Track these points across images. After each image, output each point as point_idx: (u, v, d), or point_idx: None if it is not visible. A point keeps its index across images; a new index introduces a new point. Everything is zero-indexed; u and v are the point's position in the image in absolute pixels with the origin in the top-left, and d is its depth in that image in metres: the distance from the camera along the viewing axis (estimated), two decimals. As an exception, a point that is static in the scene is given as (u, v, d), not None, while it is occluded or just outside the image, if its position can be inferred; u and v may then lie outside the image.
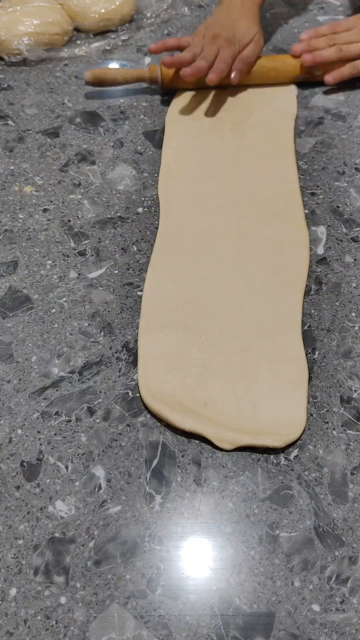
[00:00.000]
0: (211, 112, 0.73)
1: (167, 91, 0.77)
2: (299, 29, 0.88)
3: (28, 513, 0.42)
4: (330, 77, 0.73)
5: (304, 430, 0.46)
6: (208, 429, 0.45)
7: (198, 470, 0.44)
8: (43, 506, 0.43)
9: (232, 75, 0.70)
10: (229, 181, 0.65)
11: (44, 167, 0.67)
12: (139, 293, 0.56)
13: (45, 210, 0.63)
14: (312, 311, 0.54)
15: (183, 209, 0.62)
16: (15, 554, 0.41)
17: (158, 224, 0.61)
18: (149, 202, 0.64)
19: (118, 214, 0.63)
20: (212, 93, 0.75)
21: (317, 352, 0.51)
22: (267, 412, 0.47)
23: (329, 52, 0.73)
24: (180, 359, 0.50)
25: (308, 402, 0.48)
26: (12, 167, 0.67)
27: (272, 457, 0.45)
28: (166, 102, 0.75)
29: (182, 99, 0.75)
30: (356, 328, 0.53)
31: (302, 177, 0.67)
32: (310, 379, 0.49)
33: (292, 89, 0.76)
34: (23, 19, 0.78)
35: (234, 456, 0.45)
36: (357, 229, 0.62)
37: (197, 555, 0.41)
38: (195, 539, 0.41)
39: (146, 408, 0.47)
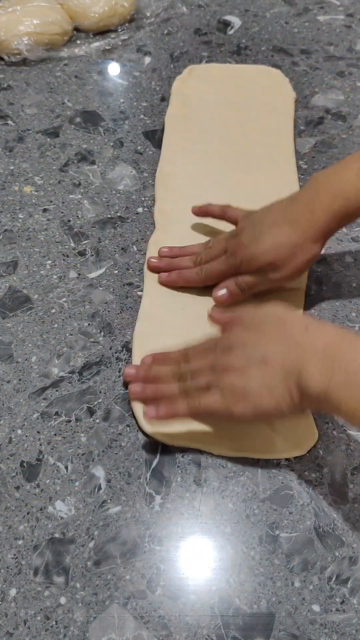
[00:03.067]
0: (211, 112, 0.73)
1: (167, 92, 0.77)
2: (299, 28, 0.88)
3: (28, 513, 0.42)
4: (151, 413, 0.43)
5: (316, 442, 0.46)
6: (210, 444, 0.45)
7: (198, 471, 0.44)
8: (43, 506, 0.43)
9: (218, 293, 0.53)
10: (228, 181, 0.65)
11: (44, 167, 0.67)
12: (139, 293, 0.56)
13: (45, 210, 0.63)
14: (312, 311, 0.54)
15: (181, 208, 0.62)
16: (15, 555, 0.41)
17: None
18: (149, 202, 0.64)
19: (118, 214, 0.63)
20: (212, 94, 0.75)
21: (317, 352, 0.51)
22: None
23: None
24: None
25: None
26: (12, 167, 0.67)
27: (272, 458, 0.45)
28: (166, 102, 0.75)
29: (182, 100, 0.75)
30: (356, 328, 0.53)
31: (302, 177, 0.67)
32: (310, 379, 0.49)
33: (290, 90, 0.76)
34: (23, 19, 0.78)
35: (233, 456, 0.45)
36: (357, 229, 0.62)
37: (197, 555, 0.41)
38: (195, 539, 0.41)
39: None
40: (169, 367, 0.45)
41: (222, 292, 0.53)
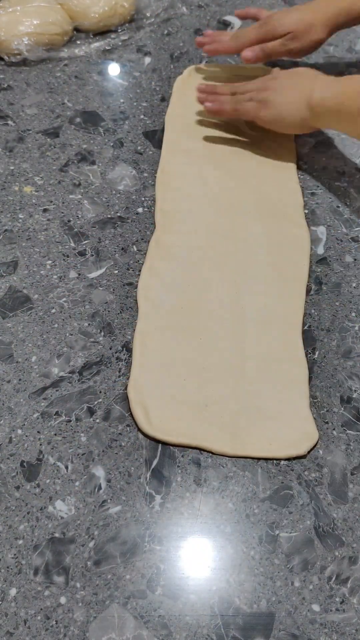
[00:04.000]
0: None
1: (167, 92, 0.77)
2: (299, 28, 0.88)
3: (28, 513, 0.42)
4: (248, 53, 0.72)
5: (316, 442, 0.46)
6: (211, 442, 0.45)
7: (198, 471, 0.44)
8: (43, 506, 0.43)
9: (247, 52, 0.71)
10: (228, 181, 0.65)
11: (44, 167, 0.67)
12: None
13: (45, 210, 0.63)
14: (312, 311, 0.54)
15: (181, 208, 0.62)
16: (15, 554, 0.41)
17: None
18: (149, 202, 0.64)
19: (118, 214, 0.63)
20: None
21: (317, 352, 0.51)
22: (269, 415, 0.47)
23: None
24: (180, 362, 0.50)
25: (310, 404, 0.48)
26: (12, 167, 0.67)
27: (272, 458, 0.45)
28: (166, 102, 0.75)
29: (182, 100, 0.75)
30: (356, 328, 0.53)
31: (302, 177, 0.67)
32: (310, 379, 0.49)
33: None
34: (23, 19, 0.78)
35: (234, 457, 0.45)
36: (357, 229, 0.62)
37: (197, 555, 0.41)
38: (195, 539, 0.41)
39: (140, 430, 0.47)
40: (227, 87, 0.69)
41: (250, 51, 0.71)
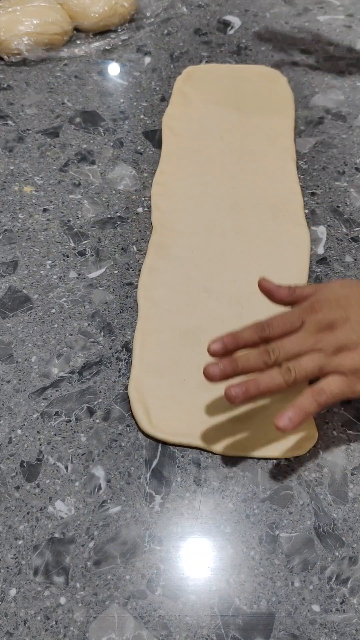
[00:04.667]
0: (211, 112, 0.73)
1: (167, 92, 0.77)
2: (299, 29, 0.88)
3: (28, 513, 0.42)
4: (283, 421, 0.41)
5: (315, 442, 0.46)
6: (211, 443, 0.45)
7: (198, 471, 0.44)
8: (43, 506, 0.43)
9: (281, 422, 0.40)
10: (228, 181, 0.65)
11: (44, 167, 0.67)
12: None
13: (45, 210, 0.63)
14: (312, 311, 0.54)
15: (180, 208, 0.62)
16: (15, 554, 0.41)
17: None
18: (149, 202, 0.64)
19: (118, 214, 0.63)
20: (212, 94, 0.75)
21: (317, 352, 0.51)
22: (269, 415, 0.47)
23: (273, 379, 0.42)
24: (180, 362, 0.50)
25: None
26: (12, 167, 0.67)
27: (272, 458, 0.45)
28: (166, 102, 0.75)
29: (182, 100, 0.75)
30: (356, 328, 0.53)
31: (302, 177, 0.67)
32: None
33: (288, 90, 0.76)
34: (23, 19, 0.78)
35: (233, 457, 0.45)
36: (357, 229, 0.62)
37: (197, 555, 0.41)
38: (195, 539, 0.41)
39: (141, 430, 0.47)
40: (276, 371, 0.42)
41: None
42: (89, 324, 0.53)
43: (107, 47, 0.83)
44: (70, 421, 0.47)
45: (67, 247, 0.59)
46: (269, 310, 0.54)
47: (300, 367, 0.42)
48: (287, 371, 0.42)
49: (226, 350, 0.43)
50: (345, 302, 0.43)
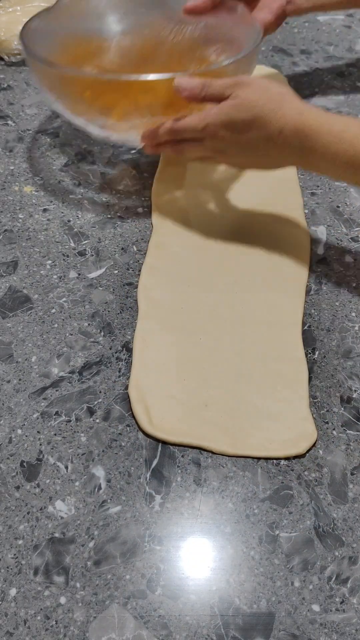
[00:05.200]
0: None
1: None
2: (299, 28, 0.88)
3: (28, 513, 0.42)
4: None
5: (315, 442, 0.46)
6: (211, 442, 0.45)
7: (198, 471, 0.44)
8: (43, 506, 0.43)
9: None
10: (227, 181, 0.65)
11: (44, 167, 0.67)
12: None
13: (45, 210, 0.63)
14: (312, 311, 0.54)
15: (180, 208, 0.62)
16: (15, 554, 0.41)
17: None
18: (149, 202, 0.64)
19: (118, 214, 0.63)
20: None
21: (317, 352, 0.51)
22: (269, 415, 0.47)
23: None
24: (180, 362, 0.50)
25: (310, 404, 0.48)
26: (12, 167, 0.67)
27: (272, 457, 0.45)
28: (166, 102, 0.75)
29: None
30: (356, 328, 0.53)
31: (302, 177, 0.67)
32: (310, 379, 0.49)
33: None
34: (23, 19, 0.78)
35: (233, 457, 0.45)
36: (357, 229, 0.62)
37: (197, 555, 0.41)
38: (195, 539, 0.41)
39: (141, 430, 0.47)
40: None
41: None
42: (89, 324, 0.53)
43: (107, 47, 0.83)
44: (70, 421, 0.47)
45: (67, 247, 0.59)
46: (268, 310, 0.54)
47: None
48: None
49: (150, 139, 0.57)
50: (237, 136, 0.51)
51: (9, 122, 0.72)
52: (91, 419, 0.47)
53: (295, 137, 0.49)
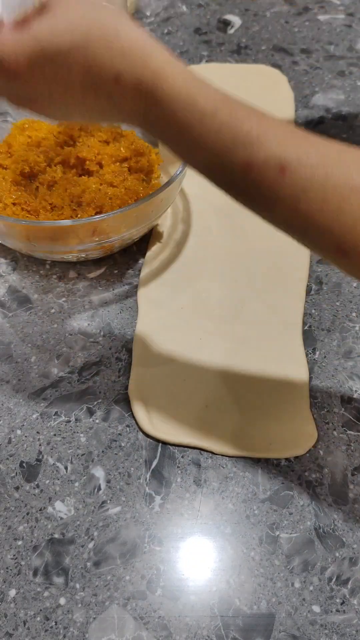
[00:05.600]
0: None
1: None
2: (299, 28, 0.88)
3: (27, 514, 0.42)
4: None
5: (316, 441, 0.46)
6: (211, 442, 0.45)
7: (198, 471, 0.44)
8: (42, 507, 0.43)
9: None
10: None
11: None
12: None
13: (44, 210, 0.63)
14: (313, 311, 0.54)
15: (180, 208, 0.62)
16: (14, 555, 0.40)
17: (158, 224, 0.61)
18: (149, 201, 0.64)
19: (118, 214, 0.62)
20: None
21: (317, 352, 0.51)
22: (269, 415, 0.47)
23: None
24: (180, 362, 0.50)
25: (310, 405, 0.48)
26: (11, 167, 0.67)
27: (272, 457, 0.45)
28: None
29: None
30: (357, 328, 0.53)
31: (302, 176, 0.66)
32: (310, 379, 0.49)
33: (288, 89, 0.76)
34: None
35: (233, 457, 0.45)
36: (358, 228, 0.61)
37: (197, 556, 0.41)
38: (195, 539, 0.41)
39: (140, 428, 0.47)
40: None
41: None
42: (89, 324, 0.53)
43: (107, 47, 0.83)
44: (70, 421, 0.47)
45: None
46: (268, 310, 0.54)
47: None
48: None
49: None
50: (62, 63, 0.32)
51: (9, 118, 0.72)
52: (91, 420, 0.47)
53: (139, 96, 0.33)
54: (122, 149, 0.59)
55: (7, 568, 0.40)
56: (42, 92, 0.34)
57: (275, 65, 0.81)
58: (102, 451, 0.45)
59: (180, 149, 0.34)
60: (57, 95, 0.34)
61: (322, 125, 0.72)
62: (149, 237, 0.60)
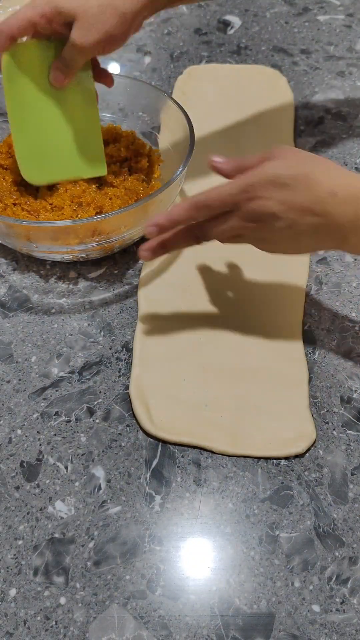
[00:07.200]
0: (211, 112, 0.73)
1: (167, 92, 0.77)
2: (299, 28, 0.88)
3: (28, 513, 0.42)
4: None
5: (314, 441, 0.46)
6: (211, 441, 0.45)
7: (198, 471, 0.44)
8: (43, 506, 0.43)
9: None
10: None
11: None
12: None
13: (45, 210, 0.63)
14: (312, 311, 0.54)
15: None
16: (15, 555, 0.41)
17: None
18: (149, 202, 0.64)
19: (118, 214, 0.63)
20: (212, 94, 0.75)
21: (317, 352, 0.51)
22: (269, 415, 0.47)
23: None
24: (180, 362, 0.50)
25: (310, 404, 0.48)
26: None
27: (272, 457, 0.45)
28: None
29: (182, 99, 0.74)
30: (356, 328, 0.53)
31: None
32: (310, 379, 0.49)
33: (288, 89, 0.76)
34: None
35: (233, 457, 0.45)
36: (357, 228, 0.61)
37: (197, 555, 0.41)
38: (195, 539, 0.41)
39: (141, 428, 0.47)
40: (184, 234, 0.47)
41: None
42: (89, 324, 0.53)
43: (107, 47, 0.83)
44: (70, 421, 0.47)
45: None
46: (268, 310, 0.54)
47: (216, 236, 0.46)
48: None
49: (161, 232, 0.46)
50: (280, 189, 0.42)
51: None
52: (91, 419, 0.47)
53: (351, 201, 0.41)
54: (122, 149, 0.60)
55: (7, 567, 0.40)
56: (272, 212, 0.43)
57: (275, 66, 0.81)
58: (103, 451, 0.45)
59: None
60: (285, 212, 0.42)
61: (322, 125, 0.72)
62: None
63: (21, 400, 0.48)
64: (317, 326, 0.53)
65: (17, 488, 0.43)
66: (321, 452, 0.45)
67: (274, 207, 0.42)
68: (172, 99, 0.61)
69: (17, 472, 0.44)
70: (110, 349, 0.52)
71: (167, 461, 0.45)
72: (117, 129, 0.62)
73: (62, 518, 0.42)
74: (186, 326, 0.52)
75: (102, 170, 0.56)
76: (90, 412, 0.47)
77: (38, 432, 0.46)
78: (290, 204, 0.41)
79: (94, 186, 0.55)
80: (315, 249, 0.45)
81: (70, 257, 0.55)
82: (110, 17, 0.47)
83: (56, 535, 0.41)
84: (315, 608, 0.38)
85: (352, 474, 0.44)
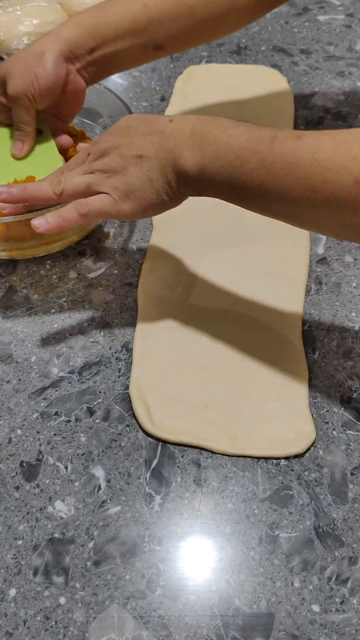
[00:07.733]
0: (211, 112, 0.73)
1: (167, 92, 0.77)
2: (299, 28, 0.88)
3: (27, 513, 0.42)
4: (39, 221, 0.46)
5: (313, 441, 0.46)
6: (211, 441, 0.45)
7: (198, 471, 0.44)
8: (42, 506, 0.43)
9: (36, 221, 0.45)
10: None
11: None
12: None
13: (45, 210, 0.63)
14: (312, 311, 0.54)
15: (180, 208, 0.62)
16: (14, 555, 0.41)
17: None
18: (149, 202, 0.64)
19: (118, 214, 0.62)
20: (212, 94, 0.75)
21: (317, 352, 0.51)
22: (269, 415, 0.47)
23: (41, 188, 0.48)
24: (180, 362, 0.50)
25: (309, 404, 0.48)
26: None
27: (271, 457, 0.45)
28: (166, 102, 0.75)
29: (182, 99, 0.75)
30: (356, 328, 0.53)
31: (302, 176, 0.66)
32: (310, 379, 0.49)
33: (288, 89, 0.76)
34: (23, 18, 0.78)
35: (233, 457, 0.45)
36: (357, 228, 0.61)
37: (197, 555, 0.41)
38: (195, 539, 0.41)
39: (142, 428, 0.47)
40: (47, 181, 0.48)
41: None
42: (88, 324, 0.53)
43: (107, 47, 0.83)
44: (70, 421, 0.47)
45: (67, 246, 0.59)
46: (268, 310, 0.54)
47: (69, 181, 0.46)
48: (56, 183, 0.46)
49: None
50: (125, 132, 0.45)
51: (9, 122, 0.72)
52: (91, 419, 0.47)
53: (186, 122, 0.43)
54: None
55: (7, 567, 0.40)
56: (122, 149, 0.45)
57: (275, 66, 0.81)
58: (102, 451, 0.45)
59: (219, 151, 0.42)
60: (132, 147, 0.44)
61: (322, 125, 0.72)
62: (149, 238, 0.60)
63: (21, 400, 0.48)
64: (317, 326, 0.53)
65: (17, 488, 0.43)
66: (321, 452, 0.45)
67: (118, 140, 0.45)
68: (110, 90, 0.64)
69: (17, 472, 0.44)
70: (110, 349, 0.52)
71: (167, 461, 0.45)
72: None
73: (61, 518, 0.42)
74: (186, 326, 0.52)
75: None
76: (90, 412, 0.47)
77: (38, 432, 0.46)
78: (132, 134, 0.45)
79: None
80: (159, 174, 0.44)
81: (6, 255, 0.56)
82: (34, 63, 0.52)
83: (56, 535, 0.41)
84: (315, 608, 0.38)
85: (352, 474, 0.44)
